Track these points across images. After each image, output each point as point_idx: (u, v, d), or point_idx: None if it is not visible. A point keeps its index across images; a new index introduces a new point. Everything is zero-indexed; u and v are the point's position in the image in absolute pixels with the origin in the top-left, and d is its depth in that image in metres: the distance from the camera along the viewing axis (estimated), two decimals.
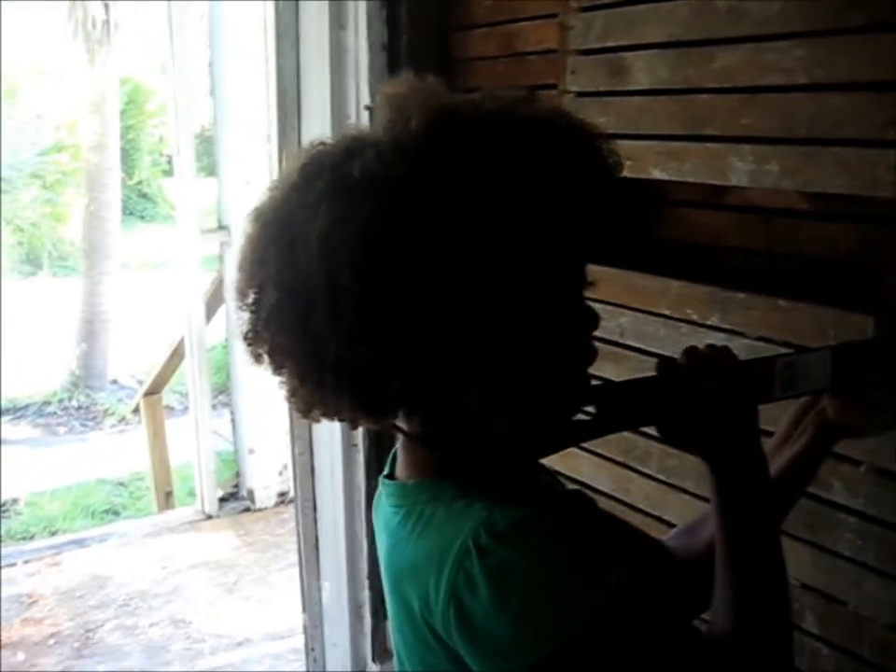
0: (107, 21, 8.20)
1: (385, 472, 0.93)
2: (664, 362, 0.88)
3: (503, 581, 0.73)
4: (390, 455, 0.96)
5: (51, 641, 3.48)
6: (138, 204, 14.49)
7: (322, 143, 0.84)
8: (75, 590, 3.82)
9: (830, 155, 1.18)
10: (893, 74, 1.10)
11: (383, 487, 0.92)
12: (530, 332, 0.80)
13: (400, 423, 0.88)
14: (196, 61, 5.18)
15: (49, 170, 11.64)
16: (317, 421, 0.88)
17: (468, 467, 0.84)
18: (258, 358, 0.84)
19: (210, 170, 5.84)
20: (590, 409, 0.87)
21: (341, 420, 0.86)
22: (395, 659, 0.92)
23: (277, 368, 0.83)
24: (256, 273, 0.82)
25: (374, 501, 0.96)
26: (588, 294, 0.86)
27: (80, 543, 4.24)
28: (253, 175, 4.43)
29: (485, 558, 0.74)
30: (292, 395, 0.83)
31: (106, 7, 8.42)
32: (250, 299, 0.82)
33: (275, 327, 0.80)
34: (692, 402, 0.85)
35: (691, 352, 0.87)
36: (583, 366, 0.86)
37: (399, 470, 0.91)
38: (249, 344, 0.84)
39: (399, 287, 0.75)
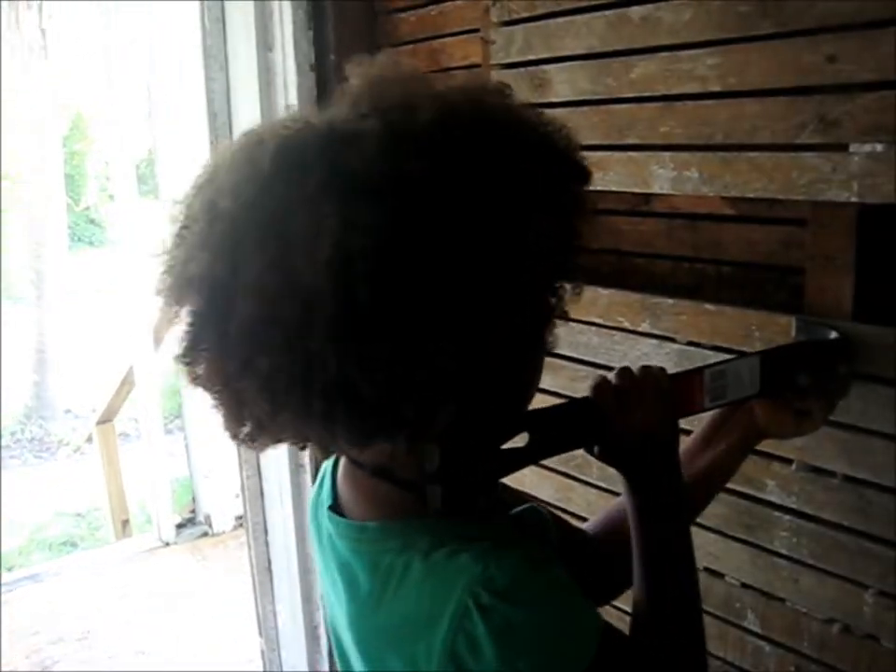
0: (45, 47, 8.11)
1: (329, 503, 0.85)
2: (600, 384, 0.87)
3: (510, 641, 0.69)
4: (322, 479, 0.90)
5: None
6: (86, 230, 14.32)
7: (285, 126, 0.72)
8: (30, 627, 3.74)
9: (746, 160, 1.20)
10: (801, 79, 1.12)
11: (331, 525, 0.84)
12: (537, 339, 0.80)
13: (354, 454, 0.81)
14: (133, 84, 5.12)
15: None
16: (261, 450, 0.79)
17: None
18: (196, 380, 0.74)
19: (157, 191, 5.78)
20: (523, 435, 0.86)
21: (304, 447, 0.78)
22: None
23: (219, 389, 0.73)
24: (215, 279, 0.69)
25: (313, 525, 0.90)
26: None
27: (34, 578, 4.15)
28: None
29: (489, 618, 0.69)
30: (238, 422, 0.74)
31: (43, 31, 8.33)
32: (195, 307, 0.72)
33: (250, 345, 0.68)
34: (622, 426, 0.86)
35: (623, 374, 0.87)
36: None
37: (352, 507, 0.83)
38: (188, 364, 0.73)
39: (419, 298, 0.67)
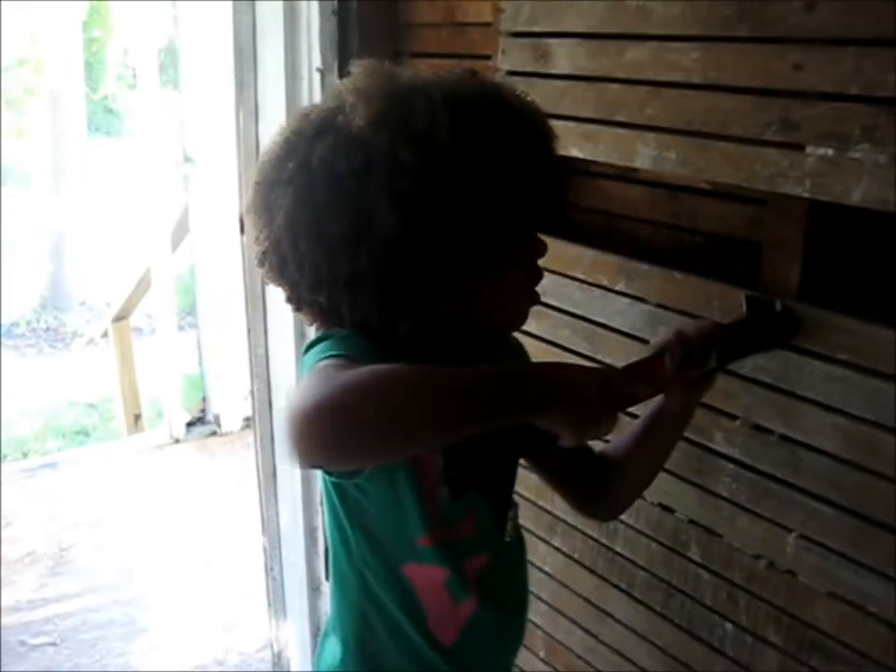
0: None
1: None
2: None
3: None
4: None
5: (27, 560, 3.66)
6: (104, 120, 14.25)
7: (307, 114, 1.06)
8: (48, 511, 4.00)
9: (718, 149, 1.33)
10: (769, 82, 1.24)
11: None
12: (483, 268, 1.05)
13: None
14: None
15: (11, 85, 11.44)
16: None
17: None
18: (267, 275, 1.10)
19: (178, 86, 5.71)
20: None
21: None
22: None
23: (276, 278, 1.09)
24: (255, 222, 1.07)
25: None
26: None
27: (52, 466, 4.40)
28: (219, 106, 4.35)
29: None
30: (297, 310, 1.12)
31: None
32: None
33: (267, 267, 1.07)
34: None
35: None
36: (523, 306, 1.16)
37: None
38: (261, 265, 1.09)
39: (344, 255, 0.99)
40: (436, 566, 1.10)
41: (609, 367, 1.08)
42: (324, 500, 1.13)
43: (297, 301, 1.08)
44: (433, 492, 1.03)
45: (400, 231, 0.97)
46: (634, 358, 1.48)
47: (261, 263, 1.08)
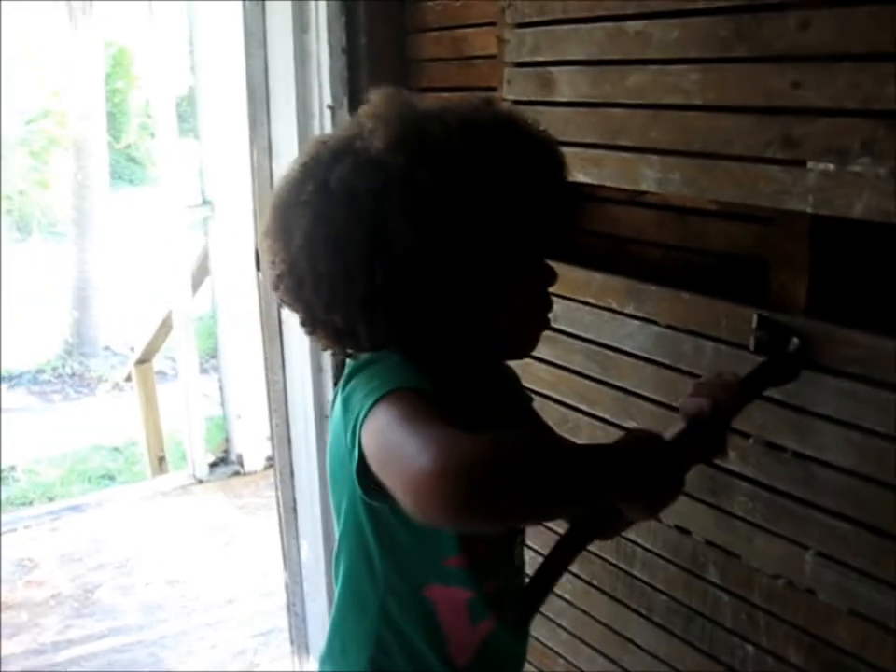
0: None
1: None
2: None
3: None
4: None
5: (52, 602, 3.66)
6: (126, 169, 14.48)
7: (324, 141, 1.09)
8: (73, 553, 4.00)
9: (721, 168, 1.34)
10: (769, 100, 1.25)
11: None
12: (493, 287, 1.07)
13: None
14: (176, 20, 5.12)
15: (36, 137, 11.67)
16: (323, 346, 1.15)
17: None
18: (282, 300, 1.11)
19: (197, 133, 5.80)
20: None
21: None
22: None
23: (290, 303, 1.10)
24: (271, 246, 1.08)
25: None
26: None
27: (77, 509, 4.42)
28: (236, 150, 4.43)
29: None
30: (311, 333, 1.12)
31: None
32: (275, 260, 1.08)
33: (283, 290, 1.08)
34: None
35: None
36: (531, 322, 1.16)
37: None
38: (276, 290, 1.11)
39: (361, 274, 1.00)
40: (462, 587, 1.11)
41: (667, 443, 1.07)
42: (345, 522, 1.12)
43: (311, 322, 1.09)
44: None
45: (416, 246, 1.00)
46: (649, 383, 1.51)
47: (276, 287, 1.09)
